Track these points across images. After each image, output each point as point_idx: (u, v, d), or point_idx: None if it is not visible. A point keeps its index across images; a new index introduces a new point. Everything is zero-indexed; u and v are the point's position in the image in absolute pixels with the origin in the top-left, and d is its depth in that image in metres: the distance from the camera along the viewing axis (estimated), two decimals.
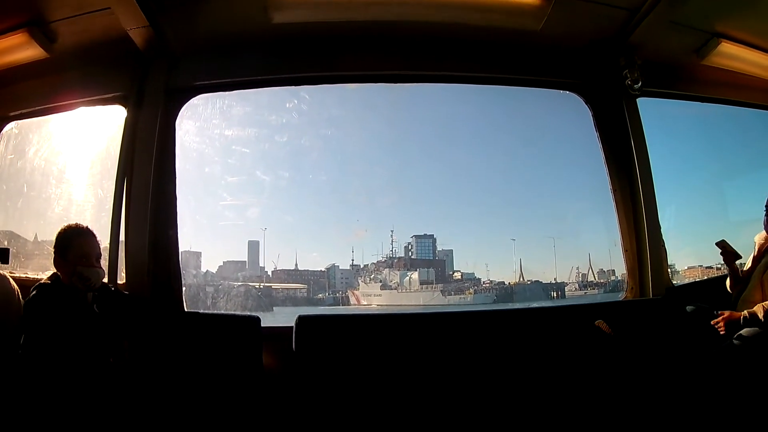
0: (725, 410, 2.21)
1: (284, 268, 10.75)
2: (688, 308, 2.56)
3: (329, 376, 2.39)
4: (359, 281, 11.03)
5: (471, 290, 10.45)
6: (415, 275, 10.84)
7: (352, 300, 10.85)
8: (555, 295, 9.86)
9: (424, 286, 10.72)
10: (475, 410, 2.37)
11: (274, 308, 9.76)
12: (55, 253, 2.04)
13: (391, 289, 10.77)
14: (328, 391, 2.36)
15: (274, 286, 10.38)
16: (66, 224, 2.12)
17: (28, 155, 3.03)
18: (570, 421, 2.35)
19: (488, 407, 2.38)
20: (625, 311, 2.80)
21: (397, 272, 10.89)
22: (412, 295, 10.60)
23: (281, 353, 2.44)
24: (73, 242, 2.06)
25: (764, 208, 2.51)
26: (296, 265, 10.92)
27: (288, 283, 10.61)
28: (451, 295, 10.51)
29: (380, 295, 10.69)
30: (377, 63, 2.88)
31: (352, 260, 11.27)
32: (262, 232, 11.83)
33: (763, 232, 2.55)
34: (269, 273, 10.56)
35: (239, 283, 9.95)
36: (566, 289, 10.01)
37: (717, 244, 2.57)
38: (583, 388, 2.42)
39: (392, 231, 11.49)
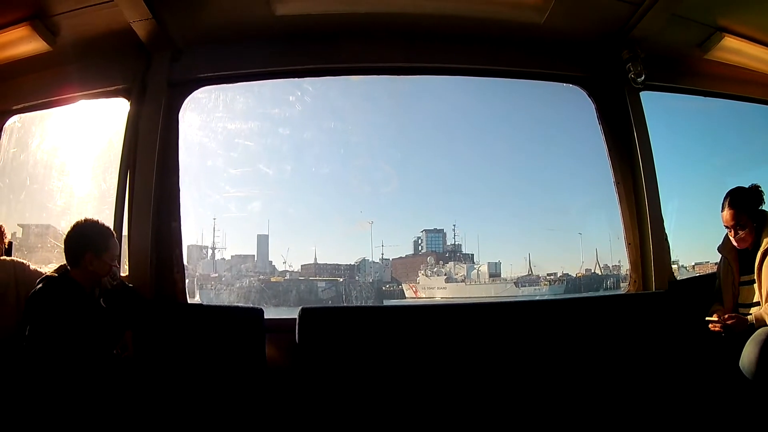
0: (727, 404, 2.20)
1: (304, 262, 10.60)
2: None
3: (333, 369, 2.38)
4: (419, 273, 11.00)
5: (545, 282, 10.49)
6: (483, 267, 10.91)
7: (409, 293, 10.80)
8: (611, 284, 9.77)
9: (493, 279, 10.76)
10: (474, 405, 2.36)
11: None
12: (88, 250, 2.05)
13: (457, 282, 10.79)
14: (331, 384, 2.35)
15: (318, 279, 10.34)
16: (93, 220, 2.13)
17: (30, 148, 3.04)
18: (573, 412, 2.35)
19: (490, 403, 2.37)
20: (629, 304, 2.79)
21: (464, 265, 10.93)
22: (482, 288, 10.63)
23: (284, 345, 2.44)
24: (110, 242, 2.13)
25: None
26: (315, 259, 10.75)
27: (313, 276, 10.50)
28: (525, 286, 10.53)
29: (444, 288, 10.73)
30: (380, 55, 2.88)
31: (382, 254, 11.29)
32: (369, 224, 11.50)
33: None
34: (299, 267, 10.45)
35: (304, 278, 9.98)
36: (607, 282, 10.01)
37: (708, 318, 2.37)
38: (587, 379, 2.42)
39: (454, 225, 11.58)
